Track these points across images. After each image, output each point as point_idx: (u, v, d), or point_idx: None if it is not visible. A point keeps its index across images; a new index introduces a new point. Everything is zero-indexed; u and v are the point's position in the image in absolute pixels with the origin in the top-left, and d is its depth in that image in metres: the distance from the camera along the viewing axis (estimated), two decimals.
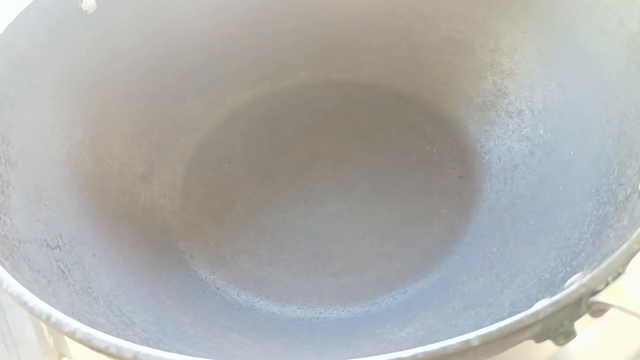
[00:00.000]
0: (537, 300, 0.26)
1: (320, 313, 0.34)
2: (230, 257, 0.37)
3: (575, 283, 0.20)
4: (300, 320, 0.34)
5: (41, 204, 0.32)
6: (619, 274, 0.19)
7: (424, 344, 0.19)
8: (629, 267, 0.20)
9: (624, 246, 0.20)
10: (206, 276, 0.36)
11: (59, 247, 0.30)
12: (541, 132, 0.37)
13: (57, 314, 0.20)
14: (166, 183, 0.41)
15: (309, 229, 0.38)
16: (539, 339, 0.21)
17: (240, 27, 0.46)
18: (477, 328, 0.26)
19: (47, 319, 0.20)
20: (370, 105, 0.46)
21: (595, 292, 0.19)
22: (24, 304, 0.20)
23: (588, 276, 0.19)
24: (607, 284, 0.19)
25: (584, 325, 0.26)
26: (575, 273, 0.25)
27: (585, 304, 0.19)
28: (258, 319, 0.33)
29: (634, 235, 0.20)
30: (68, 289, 0.27)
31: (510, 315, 0.26)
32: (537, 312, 0.18)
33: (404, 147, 0.42)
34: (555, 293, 0.24)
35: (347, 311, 0.34)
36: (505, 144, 0.40)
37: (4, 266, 0.23)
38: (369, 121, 0.45)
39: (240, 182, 0.42)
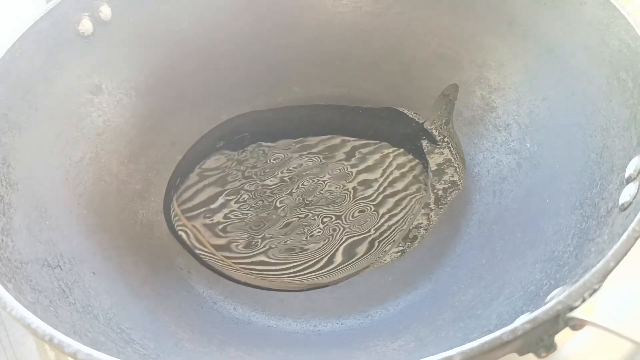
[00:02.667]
0: (522, 312, 0.27)
1: (314, 326, 0.35)
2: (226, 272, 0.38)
3: (553, 299, 0.21)
4: (296, 333, 0.34)
5: (42, 224, 0.33)
6: (595, 291, 0.20)
7: (414, 356, 0.20)
8: (605, 284, 0.21)
9: (600, 263, 0.21)
10: (203, 291, 0.37)
11: (60, 266, 0.31)
12: (528, 145, 0.38)
13: (59, 336, 0.21)
14: (163, 200, 0.42)
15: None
16: (521, 352, 0.22)
17: (234, 44, 0.47)
18: (465, 340, 0.27)
19: (50, 341, 0.21)
20: (362, 118, 0.47)
21: (572, 308, 0.20)
22: (28, 326, 0.21)
23: (565, 293, 0.20)
24: (583, 300, 0.20)
25: (568, 337, 0.27)
26: (558, 286, 0.26)
27: (563, 319, 0.20)
28: (254, 332, 0.34)
29: (610, 252, 0.21)
30: (69, 308, 0.28)
31: (497, 327, 0.27)
32: (515, 329, 0.19)
33: (394, 161, 0.43)
34: (539, 306, 0.25)
35: (341, 324, 0.35)
36: (494, 156, 0.41)
37: (7, 289, 0.24)
38: (361, 134, 0.46)
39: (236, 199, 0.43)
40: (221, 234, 0.40)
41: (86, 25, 0.39)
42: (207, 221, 0.41)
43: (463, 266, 0.35)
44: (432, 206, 0.41)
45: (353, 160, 0.44)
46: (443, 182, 0.42)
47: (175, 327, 0.32)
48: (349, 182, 0.42)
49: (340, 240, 0.39)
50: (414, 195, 0.41)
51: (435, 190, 0.41)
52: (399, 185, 0.42)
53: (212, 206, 0.42)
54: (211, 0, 0.45)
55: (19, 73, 0.35)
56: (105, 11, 0.40)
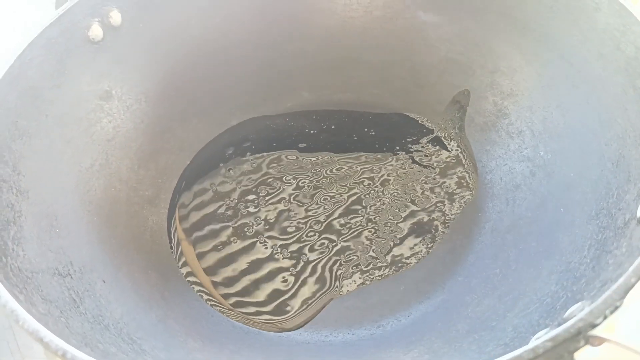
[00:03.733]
0: (538, 325, 0.27)
1: (326, 336, 0.35)
2: None
3: (574, 316, 0.20)
4: (307, 343, 0.34)
5: (52, 232, 0.32)
6: (617, 308, 0.20)
7: None
8: (626, 301, 0.20)
9: (621, 279, 0.21)
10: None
11: (70, 275, 0.31)
12: (542, 153, 0.38)
13: (72, 351, 0.20)
14: (173, 206, 0.42)
15: None
16: None
17: (244, 49, 0.47)
18: (480, 352, 0.27)
19: (63, 355, 0.20)
20: (372, 124, 0.47)
21: (594, 326, 0.20)
22: (40, 340, 0.21)
23: (586, 310, 0.20)
24: (605, 318, 0.20)
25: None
26: (575, 299, 0.26)
27: (584, 337, 0.20)
28: (265, 342, 0.34)
29: (631, 267, 0.21)
30: (80, 318, 0.28)
31: (512, 340, 0.27)
32: (536, 347, 0.19)
33: (406, 167, 0.43)
34: (556, 320, 0.25)
35: (353, 334, 0.35)
36: (507, 164, 0.40)
37: (19, 301, 0.23)
38: (371, 140, 0.45)
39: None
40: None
41: (96, 30, 0.39)
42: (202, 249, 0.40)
43: (476, 276, 0.35)
44: (445, 212, 0.40)
45: (356, 175, 0.43)
46: (454, 189, 0.41)
47: (185, 336, 0.32)
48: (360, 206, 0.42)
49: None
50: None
51: (446, 198, 0.41)
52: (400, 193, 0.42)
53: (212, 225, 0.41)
54: (221, 6, 0.44)
55: (29, 80, 0.35)
56: (115, 17, 0.40)
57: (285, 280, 0.38)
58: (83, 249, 0.33)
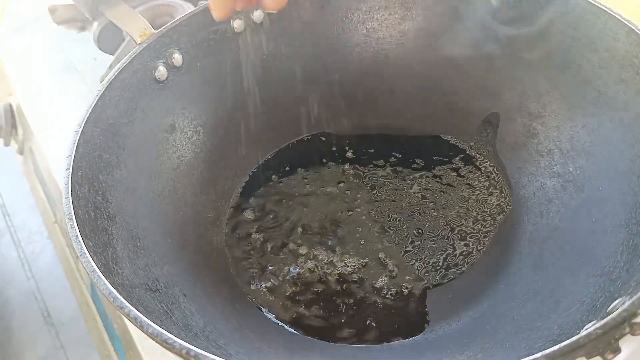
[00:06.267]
0: (582, 322, 0.30)
1: (383, 342, 0.38)
2: None
3: (618, 308, 0.24)
4: (369, 349, 0.38)
5: (138, 252, 0.36)
6: None
7: None
8: None
9: None
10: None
11: (158, 290, 0.35)
12: (571, 169, 0.42)
13: (195, 349, 0.24)
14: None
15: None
16: (590, 355, 0.25)
17: (288, 82, 0.51)
18: (530, 349, 0.30)
19: (187, 354, 0.24)
20: (409, 146, 0.51)
21: (636, 315, 0.23)
22: (163, 343, 0.25)
23: (629, 302, 0.24)
24: None
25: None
26: (613, 298, 0.30)
27: (629, 325, 0.23)
28: (329, 350, 0.37)
29: None
30: (175, 327, 0.31)
31: (559, 337, 0.30)
32: (589, 334, 0.23)
33: (442, 186, 0.47)
34: (598, 316, 0.28)
35: (408, 339, 0.38)
36: (538, 180, 0.44)
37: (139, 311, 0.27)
38: (408, 161, 0.49)
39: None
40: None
41: (162, 71, 0.43)
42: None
43: (518, 283, 0.38)
44: (484, 227, 0.44)
45: (392, 194, 0.47)
46: (490, 205, 0.45)
47: (260, 343, 0.36)
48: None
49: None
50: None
51: (484, 213, 0.45)
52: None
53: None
54: (266, 47, 0.48)
55: (109, 117, 0.40)
56: (177, 58, 0.44)
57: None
58: (164, 267, 0.37)
